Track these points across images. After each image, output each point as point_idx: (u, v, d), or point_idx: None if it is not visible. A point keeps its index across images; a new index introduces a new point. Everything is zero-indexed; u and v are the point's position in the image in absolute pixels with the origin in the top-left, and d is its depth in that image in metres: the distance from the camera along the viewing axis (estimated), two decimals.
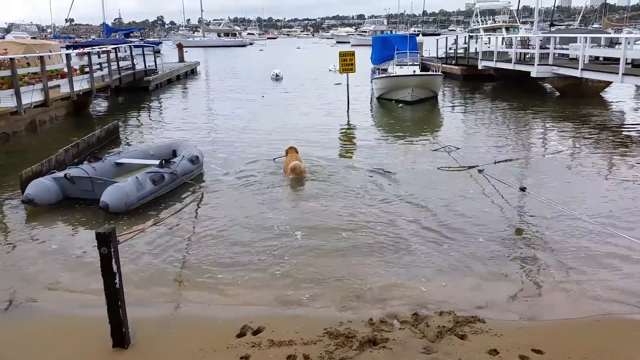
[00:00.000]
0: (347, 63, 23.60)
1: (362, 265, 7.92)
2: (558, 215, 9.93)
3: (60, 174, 11.21)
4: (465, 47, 41.00)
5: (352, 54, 23.95)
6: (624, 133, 18.89)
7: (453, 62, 38.78)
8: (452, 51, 41.54)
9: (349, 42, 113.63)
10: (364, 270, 7.74)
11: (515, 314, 6.53)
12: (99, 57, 26.64)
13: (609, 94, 28.28)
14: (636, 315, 6.47)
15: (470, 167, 13.94)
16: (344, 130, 20.26)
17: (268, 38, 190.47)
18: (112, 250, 5.33)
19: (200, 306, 6.82)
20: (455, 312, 6.34)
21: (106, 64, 26.66)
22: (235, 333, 5.93)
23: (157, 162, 12.17)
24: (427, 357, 5.34)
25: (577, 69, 24.38)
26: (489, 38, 36.24)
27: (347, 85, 24.72)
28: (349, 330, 5.84)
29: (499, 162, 14.39)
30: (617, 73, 21.27)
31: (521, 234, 9.31)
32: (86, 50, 26.46)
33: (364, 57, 32.11)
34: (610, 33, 44.58)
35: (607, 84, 27.16)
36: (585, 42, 24.43)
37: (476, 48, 36.15)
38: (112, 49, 28.24)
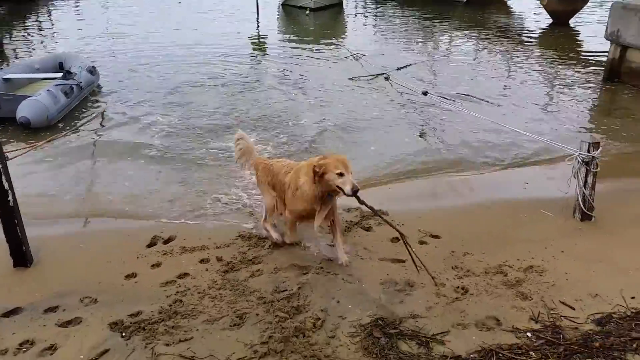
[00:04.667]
0: None
1: None
2: (455, 113, 10.52)
3: None
4: None
5: None
6: (518, 37, 19.88)
7: None
8: None
9: None
10: None
11: (417, 204, 6.99)
12: None
13: (512, 1, 29.27)
14: (520, 198, 7.15)
15: (377, 75, 14.14)
16: (254, 39, 19.61)
17: None
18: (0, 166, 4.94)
19: (107, 221, 6.64)
20: (362, 208, 6.63)
21: None
22: (145, 243, 5.87)
23: (54, 75, 11.47)
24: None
25: None
26: None
27: None
28: (262, 234, 5.97)
29: (400, 68, 14.79)
30: None
31: (424, 137, 9.78)
32: None
33: None
34: None
35: None
36: None
37: None
38: None
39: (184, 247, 5.72)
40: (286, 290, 4.82)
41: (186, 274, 5.16)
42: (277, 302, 4.60)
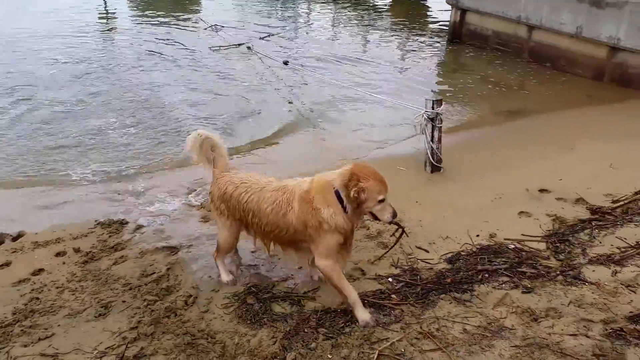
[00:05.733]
0: None
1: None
2: (316, 78, 10.80)
3: None
4: None
5: None
6: (372, 6, 20.75)
7: None
8: None
9: None
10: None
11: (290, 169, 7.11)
12: None
13: None
14: (379, 157, 7.60)
15: (239, 45, 13.94)
16: (102, 15, 18.13)
17: None
18: None
19: None
20: None
21: None
22: None
23: None
24: (206, 225, 5.54)
25: None
26: None
27: None
28: (123, 219, 5.67)
29: (263, 38, 14.76)
30: None
31: (291, 104, 9.91)
32: None
33: None
34: None
35: None
36: None
37: None
38: None
39: (37, 242, 5.25)
40: (154, 273, 4.66)
41: (41, 270, 4.75)
42: (144, 286, 4.44)
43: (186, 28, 16.04)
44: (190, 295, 4.31)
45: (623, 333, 3.68)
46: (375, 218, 3.89)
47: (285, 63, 11.33)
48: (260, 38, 14.70)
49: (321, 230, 3.78)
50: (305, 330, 3.81)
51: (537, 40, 12.49)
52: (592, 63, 11.33)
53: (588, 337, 3.66)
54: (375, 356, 3.49)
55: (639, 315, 3.86)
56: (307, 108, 9.70)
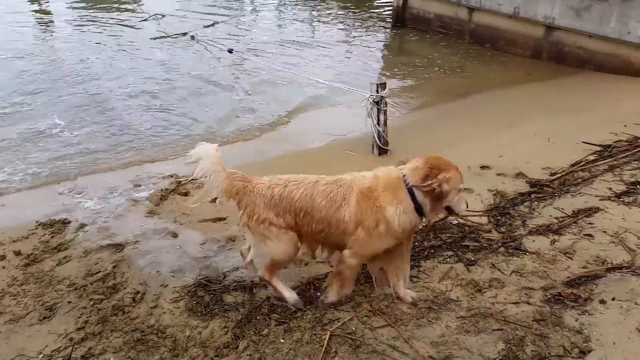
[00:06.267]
0: None
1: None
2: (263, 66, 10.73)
3: None
4: None
5: None
6: None
7: None
8: None
9: None
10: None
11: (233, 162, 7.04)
12: None
13: None
14: (328, 142, 7.65)
15: (183, 34, 13.62)
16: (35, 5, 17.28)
17: None
18: None
19: None
20: (177, 174, 6.48)
21: None
22: None
23: None
24: (152, 219, 5.44)
25: None
26: None
27: None
28: (65, 218, 5.48)
29: (207, 26, 14.49)
30: None
31: (232, 90, 9.79)
32: None
33: None
34: None
35: None
36: None
37: None
38: None
39: None
40: (100, 271, 4.54)
41: None
42: (90, 285, 4.32)
43: (127, 19, 15.48)
44: (138, 292, 4.22)
45: (561, 297, 3.88)
46: (449, 213, 3.69)
47: (230, 51, 11.18)
48: (205, 26, 14.41)
49: (375, 231, 3.50)
50: (257, 318, 3.82)
51: (478, 22, 12.81)
52: (530, 42, 11.74)
53: (529, 304, 3.83)
54: (327, 337, 3.54)
55: (575, 279, 4.08)
56: (253, 97, 9.62)
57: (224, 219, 5.36)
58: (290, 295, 3.88)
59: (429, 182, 3.40)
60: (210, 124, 8.46)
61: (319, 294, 4.04)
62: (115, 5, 17.11)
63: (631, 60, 10.10)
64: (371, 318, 3.75)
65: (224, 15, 16.19)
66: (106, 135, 7.88)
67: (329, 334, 3.56)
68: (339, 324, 3.68)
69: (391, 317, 3.75)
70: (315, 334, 3.60)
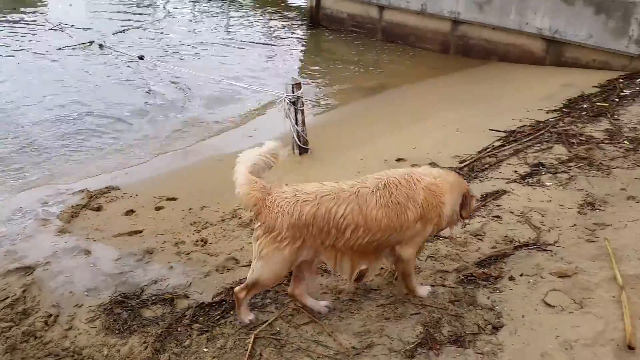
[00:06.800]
0: None
1: None
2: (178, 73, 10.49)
3: None
4: None
5: None
6: None
7: None
8: None
9: None
10: None
11: (153, 172, 6.85)
12: None
13: None
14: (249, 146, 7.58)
15: (91, 43, 13.03)
16: None
17: None
18: None
19: None
20: (89, 188, 6.19)
21: None
22: None
23: None
24: (64, 238, 5.16)
25: None
26: None
27: None
28: None
29: (117, 33, 13.96)
30: None
31: (149, 103, 9.49)
32: None
33: None
34: None
35: None
36: None
37: None
38: None
39: None
40: (8, 297, 4.24)
41: None
42: None
43: (33, 29, 14.56)
44: (51, 315, 3.99)
45: (473, 278, 4.08)
46: (461, 218, 3.89)
47: (141, 58, 10.81)
48: (115, 33, 13.88)
49: (431, 224, 3.60)
50: (179, 329, 3.73)
51: (388, 20, 13.22)
52: (439, 37, 12.27)
53: (444, 286, 4.00)
54: (252, 340, 3.52)
55: (486, 260, 4.30)
56: (166, 104, 9.37)
57: (140, 231, 5.21)
58: (249, 317, 3.70)
59: (470, 199, 3.87)
60: (121, 135, 8.13)
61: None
62: (18, 15, 16.08)
63: (531, 49, 10.80)
64: (295, 316, 3.77)
65: (136, 21, 15.68)
66: (10, 152, 7.38)
67: (253, 337, 3.54)
68: (264, 326, 3.67)
69: (315, 312, 3.78)
70: (239, 339, 3.56)
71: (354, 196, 3.44)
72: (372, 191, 3.48)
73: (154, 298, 4.14)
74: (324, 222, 3.37)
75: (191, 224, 5.36)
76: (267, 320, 3.71)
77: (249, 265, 4.49)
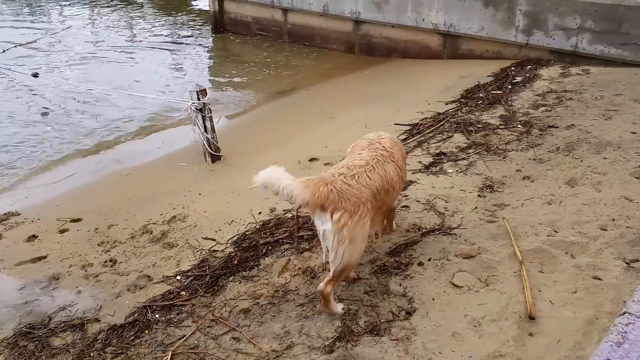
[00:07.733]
0: None
1: None
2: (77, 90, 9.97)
3: None
4: None
5: None
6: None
7: None
8: None
9: None
10: None
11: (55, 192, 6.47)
12: None
13: None
14: (157, 157, 7.38)
15: None
16: None
17: None
18: None
19: None
20: None
21: None
22: None
23: None
24: None
25: None
26: None
27: None
28: None
29: (5, 51, 12.99)
30: None
31: (47, 121, 8.94)
32: None
33: None
34: None
35: None
36: None
37: None
38: None
39: None
40: None
41: None
42: None
43: None
44: None
45: (386, 267, 4.23)
46: None
47: (35, 75, 10.13)
48: (3, 51, 12.91)
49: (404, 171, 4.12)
50: (92, 355, 3.56)
51: (293, 22, 13.34)
52: (343, 37, 12.56)
53: (360, 278, 4.12)
54: (169, 357, 3.43)
55: (396, 248, 4.47)
56: (63, 120, 8.88)
57: (45, 257, 4.90)
58: (340, 308, 3.75)
59: None
60: (19, 158, 7.60)
61: (157, 316, 3.89)
62: None
63: (429, 44, 11.33)
64: (213, 327, 3.72)
65: (30, 34, 14.65)
66: None
67: (170, 354, 3.45)
68: (181, 341, 3.59)
69: (234, 321, 3.75)
70: (155, 358, 3.46)
71: (383, 158, 3.87)
72: (372, 156, 3.85)
73: (62, 325, 3.93)
74: (387, 183, 3.78)
75: (98, 245, 5.11)
76: (184, 335, 3.64)
77: (163, 279, 4.43)
